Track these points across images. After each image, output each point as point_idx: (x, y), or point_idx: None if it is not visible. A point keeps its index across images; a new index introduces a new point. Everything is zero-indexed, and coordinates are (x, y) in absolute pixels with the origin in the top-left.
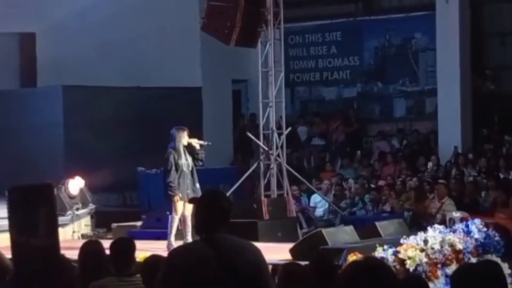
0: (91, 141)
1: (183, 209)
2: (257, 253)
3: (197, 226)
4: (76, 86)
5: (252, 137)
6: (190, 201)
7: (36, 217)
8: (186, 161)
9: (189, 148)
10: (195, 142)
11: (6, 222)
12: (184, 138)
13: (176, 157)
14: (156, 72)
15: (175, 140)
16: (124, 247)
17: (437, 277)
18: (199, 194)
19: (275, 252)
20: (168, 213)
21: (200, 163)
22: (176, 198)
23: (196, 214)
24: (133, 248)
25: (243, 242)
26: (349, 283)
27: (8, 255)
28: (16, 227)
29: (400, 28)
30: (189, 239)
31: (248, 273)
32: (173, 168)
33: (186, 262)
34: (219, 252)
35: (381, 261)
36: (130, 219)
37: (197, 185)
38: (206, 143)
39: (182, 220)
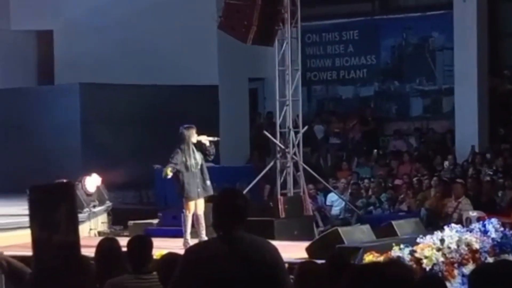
0: (108, 139)
1: (195, 208)
2: (274, 251)
3: (214, 224)
4: (93, 83)
5: (269, 135)
6: (208, 199)
7: (57, 214)
8: (195, 160)
9: (199, 145)
10: (205, 139)
11: (25, 219)
12: (193, 136)
13: (185, 157)
14: (173, 70)
15: (184, 139)
16: (141, 244)
17: (453, 277)
18: (210, 191)
19: (291, 251)
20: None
21: (211, 158)
22: (168, 172)
23: (213, 212)
24: (150, 246)
25: (260, 240)
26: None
27: (29, 252)
28: (37, 224)
29: (417, 27)
30: (204, 237)
31: (265, 272)
32: (178, 162)
33: (202, 259)
34: (236, 250)
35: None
36: (147, 217)
37: (208, 182)
38: (216, 139)
39: (195, 218)
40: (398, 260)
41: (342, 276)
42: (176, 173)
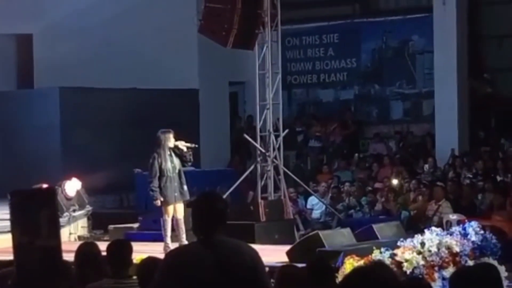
0: (88, 143)
1: (174, 212)
2: (254, 255)
3: (194, 227)
4: (73, 87)
5: (249, 139)
6: (188, 205)
7: (39, 219)
8: (172, 163)
9: (176, 150)
10: (182, 145)
11: (5, 224)
12: (169, 141)
13: (161, 161)
14: (153, 74)
15: (160, 144)
16: (121, 249)
17: (434, 280)
18: (187, 196)
19: (272, 254)
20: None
21: (188, 164)
22: (158, 202)
23: (192, 216)
24: (129, 250)
25: (240, 244)
26: None
27: (9, 256)
28: (19, 229)
29: (397, 30)
30: (184, 241)
31: (245, 275)
32: (157, 174)
33: (183, 263)
34: (216, 254)
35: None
36: (127, 221)
37: (185, 187)
38: (193, 145)
39: (175, 223)
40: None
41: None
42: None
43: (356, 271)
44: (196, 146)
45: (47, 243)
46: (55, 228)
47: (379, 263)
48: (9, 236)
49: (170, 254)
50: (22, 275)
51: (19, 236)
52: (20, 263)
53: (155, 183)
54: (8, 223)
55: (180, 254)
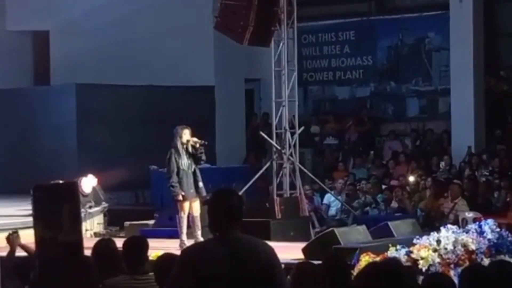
0: (104, 139)
1: (190, 208)
2: (271, 252)
3: (210, 224)
4: (90, 84)
5: (265, 136)
6: (204, 202)
7: (61, 213)
8: (187, 160)
9: (192, 147)
10: (193, 141)
11: (21, 220)
12: (184, 136)
13: (177, 157)
14: (169, 71)
15: (177, 139)
16: (137, 245)
17: None
18: (203, 193)
19: (288, 252)
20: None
21: (202, 163)
22: (179, 197)
23: (208, 212)
24: (145, 247)
25: (256, 241)
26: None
27: (23, 253)
28: (42, 223)
29: (414, 27)
30: (199, 238)
31: (261, 272)
32: (175, 170)
33: (199, 260)
34: (232, 251)
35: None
36: (143, 218)
37: (200, 184)
38: (202, 141)
39: (191, 219)
40: (397, 259)
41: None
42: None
43: (370, 267)
44: (206, 143)
45: (70, 238)
46: (77, 223)
47: (394, 260)
48: (30, 232)
49: (186, 251)
50: (44, 269)
51: (41, 230)
52: (42, 257)
53: (174, 178)
54: (28, 219)
55: (196, 251)
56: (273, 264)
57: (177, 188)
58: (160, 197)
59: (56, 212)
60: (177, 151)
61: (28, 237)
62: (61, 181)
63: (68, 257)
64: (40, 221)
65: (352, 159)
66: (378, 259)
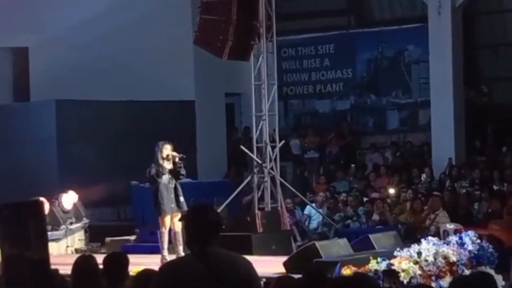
0: (85, 155)
1: (172, 224)
2: (249, 266)
3: (187, 240)
4: (69, 100)
5: (246, 150)
6: (180, 218)
7: (27, 231)
8: (168, 175)
9: (172, 162)
10: (172, 156)
11: None
12: (164, 151)
13: (157, 170)
14: (149, 86)
15: (156, 154)
16: (118, 261)
17: None
18: (184, 207)
19: (269, 265)
20: None
21: (182, 177)
22: (153, 170)
23: (185, 228)
24: (126, 263)
25: (234, 256)
26: None
27: None
28: (8, 241)
29: (393, 40)
30: (181, 253)
31: (239, 287)
32: (154, 174)
33: (177, 276)
34: (209, 266)
35: (368, 277)
36: (124, 233)
37: (181, 198)
38: (181, 155)
39: (173, 235)
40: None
41: None
42: (154, 186)
43: (339, 282)
44: (184, 156)
45: (36, 255)
46: (44, 240)
47: (362, 274)
48: None
49: (164, 267)
50: (10, 287)
51: (8, 248)
52: (9, 275)
53: (160, 196)
54: None
55: (174, 267)
56: (252, 279)
57: (162, 205)
58: (141, 213)
59: (23, 229)
60: (158, 165)
61: None
62: (27, 200)
63: (35, 275)
64: (7, 239)
65: (333, 172)
66: (359, 271)
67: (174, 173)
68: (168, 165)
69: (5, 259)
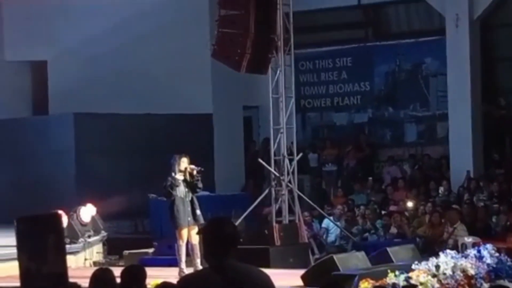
0: (103, 168)
1: (189, 236)
2: (267, 280)
3: (205, 253)
4: (87, 113)
5: (263, 163)
6: (198, 232)
7: (45, 245)
8: (185, 188)
9: (189, 175)
10: (190, 169)
11: (12, 251)
12: (182, 164)
13: (174, 185)
14: (167, 99)
15: (173, 167)
16: (135, 274)
17: None
18: (201, 220)
19: (287, 279)
20: None
21: (199, 191)
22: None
23: (202, 242)
24: (143, 276)
25: (252, 269)
26: None
27: (16, 283)
28: (26, 255)
29: (410, 53)
30: (199, 266)
31: None
32: (169, 189)
33: None
34: (227, 279)
35: None
36: (142, 246)
37: (198, 211)
38: (199, 168)
39: (190, 248)
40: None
41: None
42: (170, 200)
43: None
44: (202, 169)
45: (54, 269)
46: (62, 254)
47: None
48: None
49: (182, 280)
50: None
51: (26, 262)
52: None
53: (175, 208)
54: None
55: (192, 280)
56: None
57: (178, 219)
58: (159, 226)
59: (41, 243)
60: (174, 179)
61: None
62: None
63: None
64: (24, 252)
65: (351, 185)
66: (377, 285)
67: (191, 186)
68: (183, 177)
69: (23, 272)
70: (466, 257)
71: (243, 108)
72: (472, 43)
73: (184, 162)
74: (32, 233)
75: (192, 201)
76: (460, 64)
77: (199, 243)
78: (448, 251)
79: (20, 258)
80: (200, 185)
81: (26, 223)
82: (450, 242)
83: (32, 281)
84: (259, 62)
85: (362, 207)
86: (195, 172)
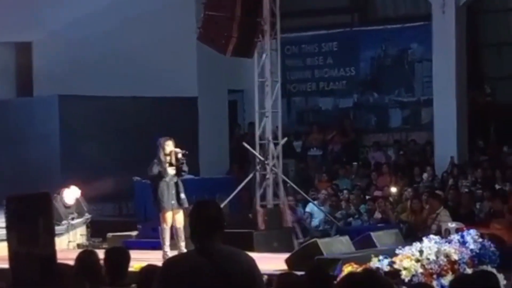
0: (87, 151)
1: (173, 220)
2: (251, 262)
3: (191, 235)
4: (72, 95)
5: (248, 147)
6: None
7: (36, 227)
8: (170, 171)
9: (174, 158)
10: (175, 152)
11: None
12: (167, 147)
13: (159, 167)
14: (152, 82)
15: (158, 150)
16: (118, 257)
17: None
18: (185, 204)
19: (271, 262)
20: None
21: (184, 174)
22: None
23: (189, 224)
24: (127, 258)
25: (237, 252)
26: None
27: (5, 265)
28: (16, 237)
29: (396, 38)
30: (183, 249)
31: (242, 283)
32: (155, 172)
33: (179, 271)
34: (212, 262)
35: (379, 274)
36: (126, 229)
37: (182, 195)
38: (184, 151)
39: (174, 231)
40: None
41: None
42: (154, 183)
43: (349, 277)
44: (187, 152)
45: (44, 251)
46: (51, 236)
47: (372, 270)
48: (5, 244)
49: (167, 263)
50: (18, 284)
51: (16, 243)
52: (16, 270)
53: (159, 191)
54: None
55: (176, 263)
56: (254, 275)
57: (162, 202)
58: (143, 209)
59: (31, 226)
60: (160, 161)
61: (3, 250)
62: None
63: (42, 272)
64: (14, 234)
65: (335, 169)
66: (360, 269)
67: (176, 169)
68: (170, 162)
69: (13, 255)
70: (449, 242)
71: (228, 92)
72: (458, 29)
73: (169, 146)
74: (22, 214)
75: (177, 184)
76: (446, 50)
77: (184, 226)
78: (431, 236)
79: (10, 239)
80: (185, 168)
81: (16, 203)
82: (434, 227)
83: (23, 264)
84: (245, 45)
85: (346, 192)
86: (180, 156)
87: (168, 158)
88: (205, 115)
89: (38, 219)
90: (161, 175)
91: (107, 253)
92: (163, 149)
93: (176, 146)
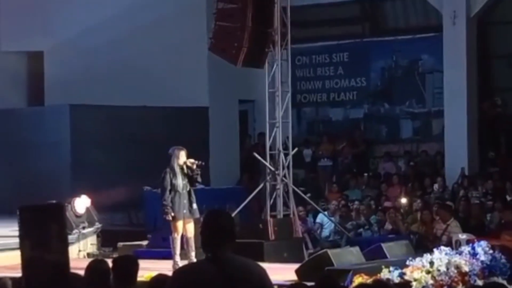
0: (98, 160)
1: (184, 229)
2: (262, 273)
3: (202, 245)
4: (83, 105)
5: (259, 157)
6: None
7: (49, 233)
8: (182, 181)
9: (188, 168)
10: (190, 162)
11: (14, 241)
12: (181, 158)
13: (172, 177)
14: (163, 92)
15: (172, 159)
16: (127, 265)
17: None
18: (196, 214)
19: (281, 273)
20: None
21: (197, 185)
22: (169, 217)
23: (200, 233)
24: (135, 266)
25: (248, 262)
26: None
27: (17, 273)
28: (29, 244)
29: (407, 49)
30: (193, 259)
31: None
32: (168, 188)
33: (190, 281)
34: (223, 272)
35: (389, 285)
36: (136, 238)
37: (194, 205)
38: (199, 162)
39: (185, 241)
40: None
41: None
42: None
43: None
44: (203, 163)
45: (57, 258)
46: (64, 243)
47: (383, 281)
48: (17, 253)
49: (178, 272)
50: None
51: (29, 250)
52: (29, 277)
53: (167, 196)
54: (16, 240)
55: (187, 272)
56: (265, 285)
57: (168, 208)
58: (153, 218)
59: (44, 231)
60: (173, 171)
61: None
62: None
63: (55, 278)
64: (27, 241)
65: (346, 180)
66: (370, 280)
67: (190, 179)
68: (182, 172)
69: (25, 260)
70: (460, 253)
71: (239, 102)
72: (468, 40)
73: (183, 156)
74: (35, 220)
75: (189, 194)
76: (457, 62)
77: (195, 236)
78: (442, 247)
79: (23, 246)
80: (199, 179)
81: (29, 212)
82: (444, 238)
83: (35, 270)
84: (256, 56)
85: (356, 202)
86: (195, 166)
87: (181, 167)
88: (216, 125)
89: (51, 226)
90: (172, 185)
91: (115, 261)
92: (178, 158)
93: (187, 157)
